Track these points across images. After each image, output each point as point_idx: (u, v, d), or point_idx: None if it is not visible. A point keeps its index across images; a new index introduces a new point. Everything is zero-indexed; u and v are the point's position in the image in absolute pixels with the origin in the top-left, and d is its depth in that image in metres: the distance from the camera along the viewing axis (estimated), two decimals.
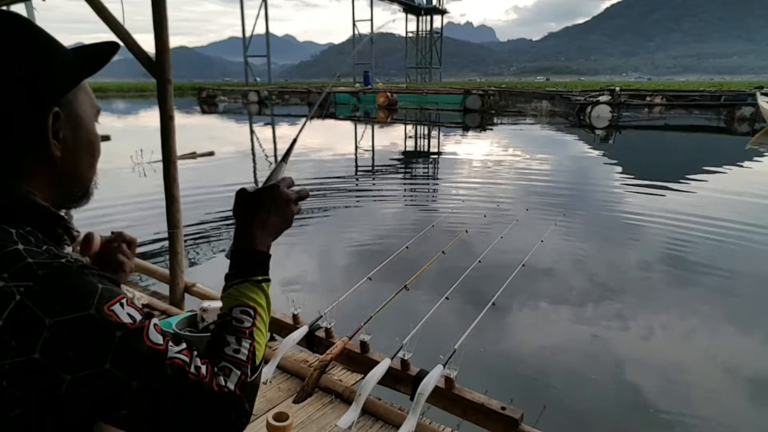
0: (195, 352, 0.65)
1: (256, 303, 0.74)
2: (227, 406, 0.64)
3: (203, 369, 0.64)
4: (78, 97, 0.70)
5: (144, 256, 4.82)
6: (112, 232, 0.97)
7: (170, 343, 0.63)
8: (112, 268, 0.95)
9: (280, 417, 1.53)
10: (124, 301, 0.61)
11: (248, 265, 0.77)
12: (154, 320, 0.63)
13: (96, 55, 0.71)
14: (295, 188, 0.84)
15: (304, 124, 1.01)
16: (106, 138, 13.69)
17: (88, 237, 0.93)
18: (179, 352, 0.63)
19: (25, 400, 0.56)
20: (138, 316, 0.61)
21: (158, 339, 0.61)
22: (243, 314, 0.72)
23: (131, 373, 0.58)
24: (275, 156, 12.94)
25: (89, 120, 0.72)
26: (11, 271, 0.56)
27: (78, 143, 0.70)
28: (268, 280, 0.78)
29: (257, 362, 0.71)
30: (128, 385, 0.58)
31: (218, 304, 2.26)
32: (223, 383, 0.65)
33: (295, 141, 0.93)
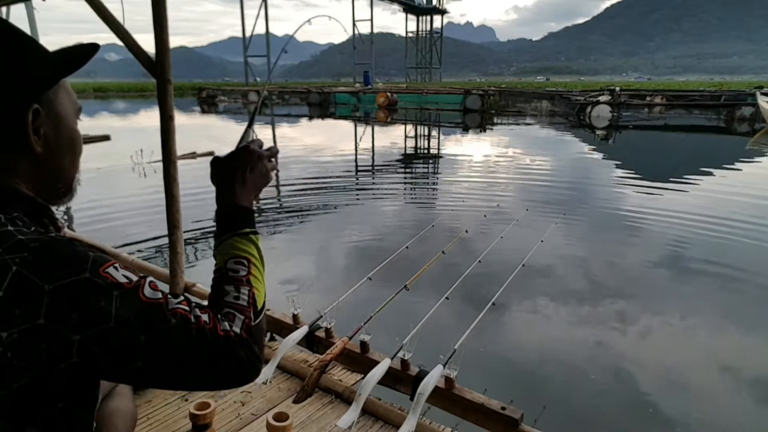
0: (193, 304, 0.68)
1: (248, 253, 0.78)
2: (235, 348, 0.67)
3: (204, 317, 0.66)
4: (58, 96, 0.72)
5: (144, 256, 4.82)
6: None
7: (169, 297, 0.66)
8: None
9: (280, 417, 1.53)
10: (117, 265, 0.64)
11: (234, 221, 0.81)
12: (149, 278, 0.66)
13: (75, 56, 0.73)
14: (266, 147, 0.90)
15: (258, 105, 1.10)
16: (106, 138, 13.68)
17: None
18: (179, 303, 0.66)
19: (32, 369, 0.57)
20: (134, 277, 0.64)
21: (156, 294, 0.64)
22: (237, 264, 0.76)
23: (137, 328, 0.61)
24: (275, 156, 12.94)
25: (70, 117, 0.74)
26: (4, 247, 0.58)
27: (59, 140, 0.72)
28: (256, 233, 0.81)
29: (259, 307, 0.74)
30: (137, 340, 0.61)
31: None
32: (228, 327, 0.68)
33: (257, 109, 1.04)
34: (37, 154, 0.69)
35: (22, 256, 0.58)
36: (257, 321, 0.72)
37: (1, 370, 0.56)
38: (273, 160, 0.90)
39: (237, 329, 0.68)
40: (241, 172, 0.84)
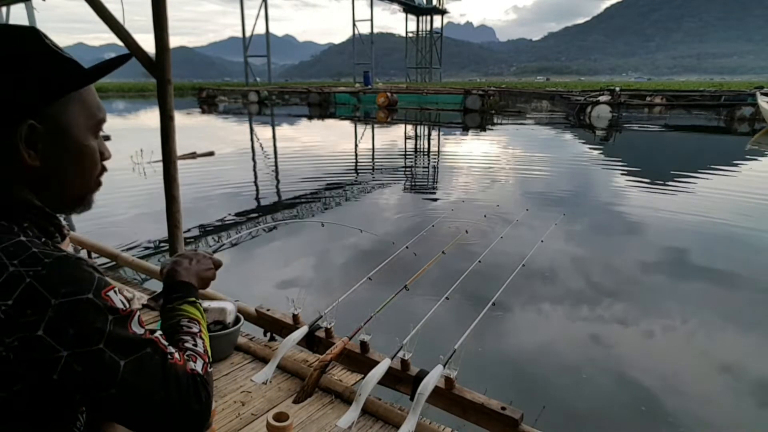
0: (167, 342, 0.73)
1: (198, 316, 0.87)
2: (200, 386, 0.73)
3: (176, 354, 0.73)
4: (67, 109, 0.72)
5: (144, 255, 4.82)
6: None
7: (149, 331, 0.71)
8: None
9: (281, 417, 1.53)
10: (116, 289, 0.69)
11: (184, 292, 0.90)
12: (138, 312, 0.72)
13: (91, 70, 0.74)
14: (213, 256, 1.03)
15: None
16: (107, 138, 13.70)
17: None
18: (159, 336, 0.72)
19: (26, 376, 0.60)
20: (128, 304, 0.70)
21: (140, 328, 0.69)
22: (190, 323, 0.85)
23: (121, 353, 0.65)
24: (275, 156, 12.94)
25: (78, 131, 0.74)
26: (20, 259, 0.62)
27: (61, 153, 0.72)
28: (200, 303, 0.91)
29: (210, 358, 0.81)
30: (118, 365, 0.64)
31: (218, 304, 2.25)
32: (193, 366, 0.74)
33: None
34: (36, 168, 0.70)
35: (36, 269, 0.61)
36: (210, 369, 0.79)
37: (2, 372, 0.59)
38: (214, 266, 1.02)
39: (199, 369, 0.75)
40: (188, 262, 0.96)
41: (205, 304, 2.19)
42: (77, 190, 0.77)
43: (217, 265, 1.02)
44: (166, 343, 0.71)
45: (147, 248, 5.20)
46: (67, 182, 0.75)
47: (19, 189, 0.70)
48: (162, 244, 5.13)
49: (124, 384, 0.64)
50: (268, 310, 2.51)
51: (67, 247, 1.11)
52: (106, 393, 0.64)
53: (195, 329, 0.83)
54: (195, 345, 0.80)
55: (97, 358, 0.63)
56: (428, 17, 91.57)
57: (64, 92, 0.71)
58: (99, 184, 0.81)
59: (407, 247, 2.86)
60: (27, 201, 0.71)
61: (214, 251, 5.59)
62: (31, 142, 0.68)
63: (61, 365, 0.61)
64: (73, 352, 0.61)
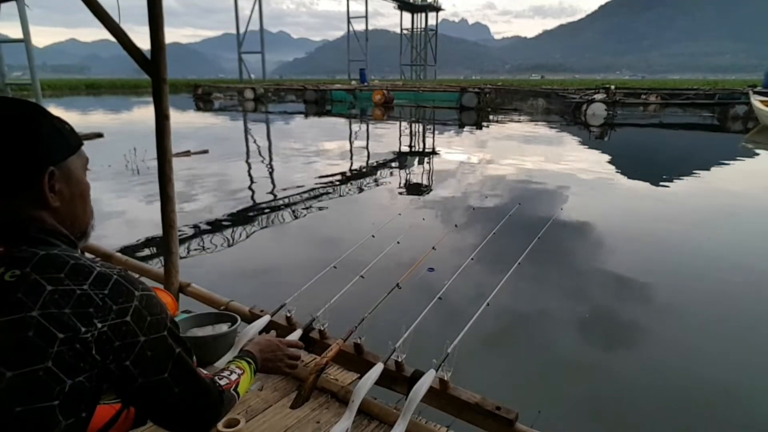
0: None
1: (245, 369, 1.12)
2: (218, 386, 0.94)
3: None
4: (69, 158, 0.85)
5: (139, 255, 4.79)
6: None
7: None
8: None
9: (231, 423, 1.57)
10: None
11: (246, 354, 1.18)
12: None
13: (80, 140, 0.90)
14: (293, 350, 1.31)
15: None
16: (99, 135, 13.56)
17: None
18: None
19: (93, 368, 0.70)
20: None
21: None
22: (236, 368, 1.10)
23: (177, 342, 0.82)
24: (270, 153, 12.90)
25: (80, 172, 0.88)
26: (98, 264, 0.76)
27: (72, 192, 0.85)
28: (255, 367, 1.17)
29: (239, 390, 1.03)
30: (174, 351, 0.80)
31: (254, 330, 2.23)
32: (218, 380, 0.97)
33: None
34: (56, 208, 0.82)
35: (117, 269, 0.77)
36: (231, 393, 1.00)
37: (78, 359, 0.67)
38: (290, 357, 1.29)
39: (222, 383, 0.98)
40: (267, 348, 1.26)
41: (245, 329, 2.16)
42: (83, 224, 0.89)
43: (295, 357, 1.30)
44: None
45: (141, 248, 5.17)
46: (77, 216, 0.87)
47: (48, 220, 0.81)
48: (156, 244, 5.10)
49: (178, 369, 0.80)
50: (261, 311, 2.50)
51: None
52: (162, 376, 0.77)
53: (237, 372, 1.08)
54: (230, 373, 1.04)
55: (162, 343, 0.78)
56: (423, 14, 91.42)
57: (73, 151, 0.85)
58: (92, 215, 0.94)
59: (398, 242, 2.84)
60: (58, 229, 0.83)
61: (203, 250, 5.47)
62: (51, 185, 0.80)
63: (136, 351, 0.73)
64: (148, 338, 0.75)
